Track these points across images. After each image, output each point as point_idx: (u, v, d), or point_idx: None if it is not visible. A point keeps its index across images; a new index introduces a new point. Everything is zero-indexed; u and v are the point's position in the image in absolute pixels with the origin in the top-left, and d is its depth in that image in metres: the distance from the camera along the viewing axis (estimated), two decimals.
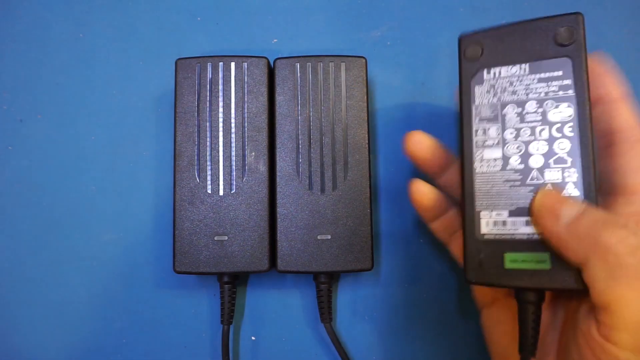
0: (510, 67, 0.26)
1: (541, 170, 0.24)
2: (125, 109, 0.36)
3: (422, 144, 0.30)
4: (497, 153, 0.25)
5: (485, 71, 0.26)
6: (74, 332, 0.35)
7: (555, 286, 0.23)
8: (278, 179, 0.32)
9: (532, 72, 0.25)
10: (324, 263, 0.31)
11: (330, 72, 0.32)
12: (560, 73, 0.25)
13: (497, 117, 0.26)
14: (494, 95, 0.26)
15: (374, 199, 0.35)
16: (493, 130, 0.26)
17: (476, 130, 0.26)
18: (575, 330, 0.24)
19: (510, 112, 0.25)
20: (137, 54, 0.37)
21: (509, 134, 0.25)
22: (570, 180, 0.24)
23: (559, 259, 0.23)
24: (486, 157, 0.26)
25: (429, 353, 0.34)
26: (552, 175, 0.24)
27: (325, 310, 0.33)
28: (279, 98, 0.32)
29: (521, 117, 0.25)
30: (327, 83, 0.32)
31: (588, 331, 0.22)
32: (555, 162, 0.24)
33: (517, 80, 0.26)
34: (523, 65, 0.25)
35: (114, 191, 0.36)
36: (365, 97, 0.32)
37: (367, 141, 0.32)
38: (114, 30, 0.37)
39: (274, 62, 0.33)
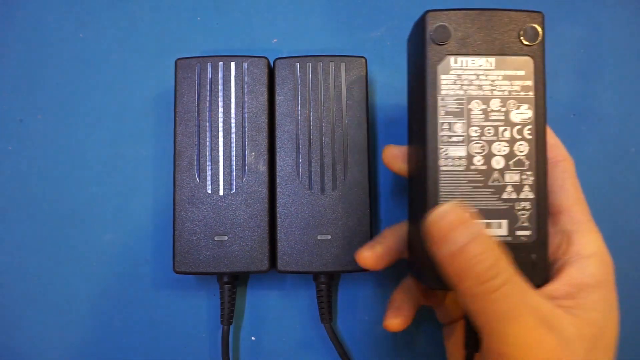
0: (476, 58, 0.24)
1: (502, 172, 0.24)
2: (125, 109, 0.36)
3: (396, 157, 0.29)
4: (461, 151, 0.24)
5: (452, 59, 0.24)
6: (74, 332, 0.35)
7: None
8: (278, 179, 0.32)
9: (497, 67, 0.24)
10: (324, 263, 0.31)
11: (330, 72, 0.32)
12: (522, 72, 0.24)
13: (463, 112, 0.24)
14: (460, 87, 0.24)
15: (373, 199, 0.35)
16: (458, 126, 0.24)
17: (442, 124, 0.24)
18: None
19: (476, 108, 0.24)
20: (137, 54, 0.37)
21: (473, 132, 0.24)
22: (527, 183, 0.24)
23: (514, 261, 0.23)
24: (451, 155, 0.24)
25: (429, 353, 0.34)
26: (511, 178, 0.24)
27: (325, 310, 0.33)
28: (279, 98, 0.32)
29: (486, 114, 0.24)
30: (327, 83, 0.32)
31: None
32: (515, 164, 0.24)
33: (483, 73, 0.24)
34: (489, 59, 0.24)
35: (114, 191, 0.36)
36: (365, 97, 0.32)
37: (367, 141, 0.32)
38: (114, 30, 0.37)
39: (274, 62, 0.33)
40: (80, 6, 0.38)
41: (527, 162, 0.24)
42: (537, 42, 0.24)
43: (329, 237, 0.31)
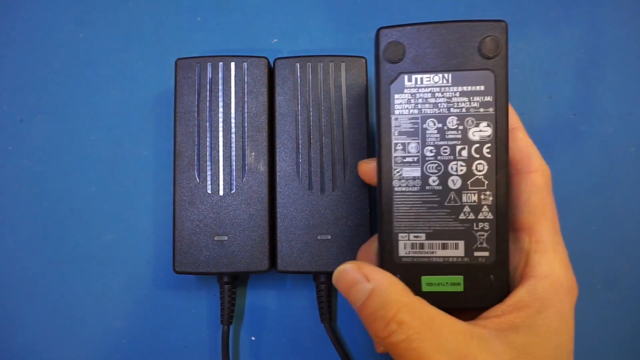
0: (432, 75, 0.24)
1: (459, 192, 0.24)
2: (125, 109, 0.36)
3: (369, 172, 0.29)
4: (416, 172, 0.24)
5: (406, 77, 0.24)
6: (74, 332, 0.35)
7: (469, 306, 0.24)
8: (278, 179, 0.32)
9: (454, 83, 0.24)
10: (324, 263, 0.31)
11: (330, 72, 0.32)
12: (482, 88, 0.23)
13: (417, 132, 0.24)
14: (415, 106, 0.24)
15: (373, 199, 0.35)
16: (413, 146, 0.24)
17: (395, 144, 0.24)
18: None
19: (431, 127, 0.24)
20: (137, 54, 0.37)
21: (428, 152, 0.24)
22: (485, 203, 0.24)
23: (472, 281, 0.24)
24: (405, 176, 0.24)
25: None
26: (469, 198, 0.24)
27: (325, 310, 0.33)
28: (279, 98, 0.32)
29: (441, 133, 0.24)
30: (327, 83, 0.32)
31: None
32: (473, 184, 0.24)
33: (439, 91, 0.24)
34: (446, 75, 0.24)
35: (114, 191, 0.36)
36: (365, 97, 0.32)
37: (367, 141, 0.32)
38: (114, 30, 0.37)
39: (274, 62, 0.33)
40: (80, 6, 0.38)
41: (485, 182, 0.23)
42: (498, 54, 0.23)
43: (329, 237, 0.31)
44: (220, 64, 0.32)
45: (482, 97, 0.23)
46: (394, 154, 0.24)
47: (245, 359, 0.34)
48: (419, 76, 0.24)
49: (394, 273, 0.23)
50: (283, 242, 0.31)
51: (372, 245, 0.28)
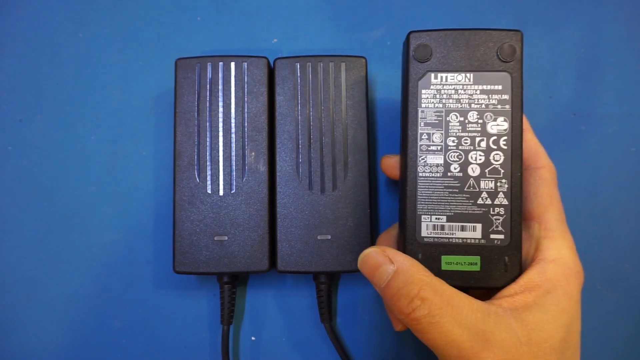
0: (456, 74, 0.26)
1: (477, 179, 0.26)
2: (125, 109, 0.36)
3: (392, 166, 0.31)
4: (439, 159, 0.26)
5: (432, 75, 0.27)
6: (74, 332, 0.35)
7: (484, 285, 0.26)
8: (278, 179, 0.32)
9: (475, 82, 0.26)
10: (324, 263, 0.31)
11: (330, 72, 0.32)
12: (500, 87, 0.26)
13: (441, 124, 0.26)
14: (440, 100, 0.26)
15: (374, 199, 0.35)
16: (437, 136, 0.26)
17: (421, 134, 0.27)
18: None
19: (454, 119, 0.26)
20: (137, 54, 0.37)
21: (450, 142, 0.26)
22: (501, 190, 0.26)
23: (488, 262, 0.26)
24: (429, 162, 0.26)
25: (428, 353, 0.34)
26: (487, 185, 0.26)
27: (325, 310, 0.33)
28: (279, 98, 0.32)
29: (463, 125, 0.26)
30: (327, 83, 0.32)
31: None
32: (490, 172, 0.26)
33: (462, 88, 0.26)
34: (468, 75, 0.26)
35: (114, 191, 0.36)
36: (365, 97, 0.32)
37: (367, 141, 0.32)
38: (114, 30, 0.37)
39: (274, 62, 0.33)
40: (80, 6, 0.38)
41: (502, 171, 0.26)
42: (515, 59, 0.26)
43: (329, 237, 0.31)
44: (220, 64, 0.32)
45: (500, 95, 0.26)
46: (419, 143, 0.27)
47: (245, 359, 0.34)
48: (444, 75, 0.27)
49: (416, 252, 0.26)
50: (283, 242, 0.31)
51: (390, 233, 0.30)
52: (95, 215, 0.35)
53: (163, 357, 0.34)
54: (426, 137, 0.26)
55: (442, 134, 0.26)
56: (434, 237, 0.26)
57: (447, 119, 0.26)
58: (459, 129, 0.26)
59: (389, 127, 0.36)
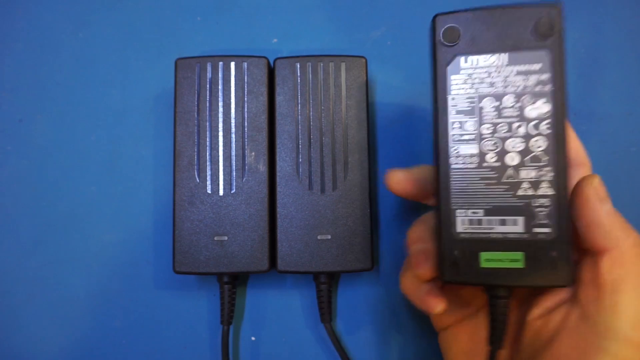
0: (488, 56, 0.24)
1: (517, 168, 0.24)
2: (125, 108, 0.36)
3: (399, 182, 0.28)
4: (473, 149, 0.24)
5: (462, 59, 0.25)
6: (73, 332, 0.35)
7: (530, 284, 0.24)
8: (278, 179, 0.32)
9: (510, 63, 0.24)
10: (324, 263, 0.31)
11: (330, 72, 0.32)
12: (539, 66, 0.24)
13: (474, 110, 0.24)
14: (471, 86, 0.24)
15: (374, 199, 0.35)
16: (470, 125, 0.24)
17: (452, 124, 0.25)
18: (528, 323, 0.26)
19: (488, 105, 0.24)
20: (137, 54, 0.37)
21: (485, 129, 0.24)
22: (545, 179, 0.24)
23: (533, 258, 0.23)
24: (462, 153, 0.25)
25: (428, 353, 0.34)
26: (528, 174, 0.24)
27: (325, 310, 0.33)
28: (279, 98, 0.32)
29: (498, 111, 0.24)
30: (327, 83, 0.32)
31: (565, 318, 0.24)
32: (531, 160, 0.24)
33: (495, 71, 0.24)
34: (502, 55, 0.24)
35: (114, 191, 0.36)
36: (365, 97, 0.32)
37: (367, 141, 0.32)
38: (114, 30, 0.37)
39: (274, 62, 0.33)
40: (80, 6, 0.38)
41: (545, 158, 0.24)
42: (554, 34, 0.23)
43: (329, 237, 0.31)
44: (220, 64, 0.32)
45: (539, 75, 0.24)
46: (450, 132, 0.25)
47: (245, 359, 0.34)
48: (475, 57, 0.24)
49: (452, 249, 0.24)
50: (283, 242, 0.31)
51: (424, 223, 0.28)
52: (95, 215, 0.35)
53: (163, 357, 0.34)
54: (458, 125, 0.24)
55: (475, 121, 0.24)
56: (471, 233, 0.24)
57: (480, 105, 0.24)
58: (494, 115, 0.24)
59: (389, 127, 0.36)
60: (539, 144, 0.24)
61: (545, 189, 0.24)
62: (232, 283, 0.32)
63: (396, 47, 0.37)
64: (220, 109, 0.32)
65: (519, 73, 0.24)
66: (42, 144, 0.36)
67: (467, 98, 0.24)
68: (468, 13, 0.24)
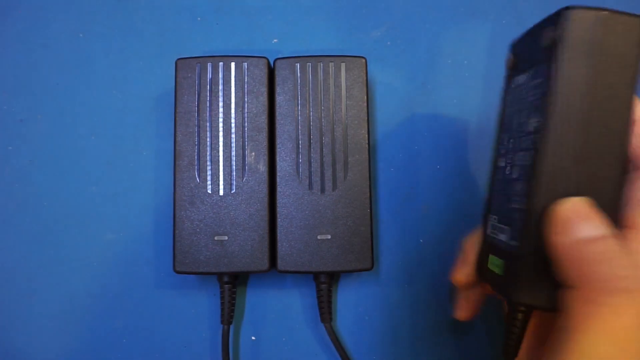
0: (522, 75, 0.25)
1: (515, 180, 0.24)
2: (125, 108, 0.36)
3: (465, 279, 0.29)
4: (502, 162, 0.26)
5: (512, 81, 0.26)
6: (73, 332, 0.35)
7: (502, 292, 0.24)
8: (278, 179, 0.32)
9: (530, 79, 0.24)
10: (324, 263, 0.31)
11: (330, 72, 0.32)
12: (540, 80, 0.22)
13: (510, 127, 0.26)
14: (514, 103, 0.26)
15: (374, 199, 0.35)
16: (505, 139, 0.26)
17: (499, 139, 0.27)
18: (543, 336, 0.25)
19: (515, 121, 0.25)
20: (137, 54, 0.37)
21: (510, 144, 0.25)
22: (521, 194, 0.23)
23: (508, 268, 0.23)
24: (498, 165, 0.27)
25: (428, 353, 0.34)
26: (518, 187, 0.24)
27: (325, 310, 0.33)
28: (279, 98, 0.32)
29: (519, 126, 0.24)
30: (327, 83, 0.32)
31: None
32: (519, 173, 0.24)
33: (524, 87, 0.24)
34: (528, 74, 0.24)
35: (114, 191, 0.36)
36: (365, 97, 0.32)
37: (367, 141, 0.32)
38: (114, 30, 0.37)
39: (274, 62, 0.33)
40: (80, 6, 0.38)
41: (522, 172, 0.24)
42: (552, 44, 0.21)
43: (329, 237, 0.31)
44: (220, 64, 0.32)
45: (539, 89, 0.23)
46: (499, 147, 0.27)
47: (245, 359, 0.34)
48: (517, 78, 0.25)
49: (482, 246, 0.27)
50: (283, 242, 0.31)
51: (476, 233, 0.29)
52: (95, 215, 0.35)
53: (163, 357, 0.34)
54: (500, 141, 0.27)
55: (508, 136, 0.26)
56: (491, 236, 0.26)
57: (512, 121, 0.25)
58: (516, 131, 0.25)
59: (389, 127, 0.36)
60: (525, 159, 0.23)
61: (520, 204, 0.23)
62: (232, 283, 0.32)
63: (396, 47, 0.37)
64: (221, 109, 0.32)
65: (534, 87, 0.23)
66: (42, 144, 0.36)
67: (509, 115, 0.26)
68: (520, 38, 0.26)
